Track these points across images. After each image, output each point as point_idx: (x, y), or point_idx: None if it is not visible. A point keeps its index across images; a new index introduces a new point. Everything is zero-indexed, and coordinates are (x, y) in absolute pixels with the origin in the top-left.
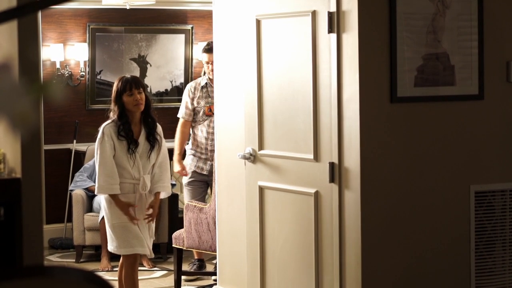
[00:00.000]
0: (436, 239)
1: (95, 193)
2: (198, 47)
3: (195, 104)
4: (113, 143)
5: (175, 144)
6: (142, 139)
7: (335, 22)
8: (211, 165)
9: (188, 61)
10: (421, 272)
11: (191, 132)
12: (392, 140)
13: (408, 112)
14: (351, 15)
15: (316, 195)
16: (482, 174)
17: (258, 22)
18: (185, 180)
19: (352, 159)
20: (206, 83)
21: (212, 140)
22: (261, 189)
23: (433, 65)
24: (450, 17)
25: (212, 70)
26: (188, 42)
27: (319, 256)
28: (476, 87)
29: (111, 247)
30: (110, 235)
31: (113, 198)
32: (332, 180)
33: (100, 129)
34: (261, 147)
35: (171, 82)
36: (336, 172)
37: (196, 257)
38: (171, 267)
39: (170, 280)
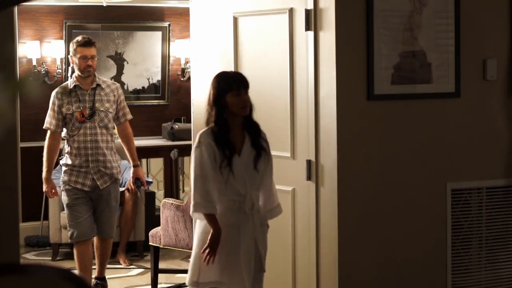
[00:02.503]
0: (413, 237)
1: (190, 212)
2: (175, 45)
3: (65, 111)
4: (213, 154)
5: (44, 159)
6: (246, 148)
7: (312, 20)
8: (93, 180)
9: (165, 59)
10: (398, 269)
11: (66, 144)
12: (369, 138)
13: (385, 109)
14: (328, 12)
15: (293, 192)
16: (459, 172)
17: (235, 20)
18: (64, 200)
19: (329, 157)
20: (75, 85)
21: (93, 149)
22: None
23: (410, 62)
24: (427, 14)
25: (89, 66)
26: (165, 40)
27: (296, 254)
28: (452, 85)
29: (189, 279)
30: (193, 264)
31: (209, 220)
32: (309, 177)
33: (197, 137)
34: None
35: (148, 79)
36: (313, 170)
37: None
38: (148, 265)
39: (147, 278)
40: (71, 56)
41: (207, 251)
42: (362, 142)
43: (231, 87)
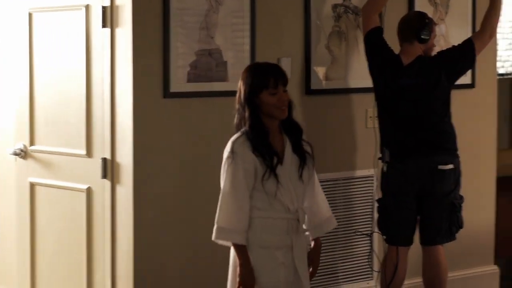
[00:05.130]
0: (209, 235)
1: (213, 238)
2: None
3: None
4: (253, 167)
5: None
6: (288, 155)
7: (109, 17)
8: None
9: None
10: (195, 266)
11: None
12: (166, 136)
13: (181, 107)
14: (125, 9)
15: (88, 191)
16: None
17: (30, 15)
18: None
19: (125, 155)
20: None
21: None
22: (32, 186)
23: (206, 61)
24: (224, 13)
25: None
26: None
27: (91, 253)
28: None
29: None
30: None
31: (236, 251)
32: (104, 175)
33: (228, 147)
34: (32, 142)
35: None
36: (108, 168)
37: None
38: None
39: None
40: None
41: None
42: (159, 140)
43: (267, 83)
